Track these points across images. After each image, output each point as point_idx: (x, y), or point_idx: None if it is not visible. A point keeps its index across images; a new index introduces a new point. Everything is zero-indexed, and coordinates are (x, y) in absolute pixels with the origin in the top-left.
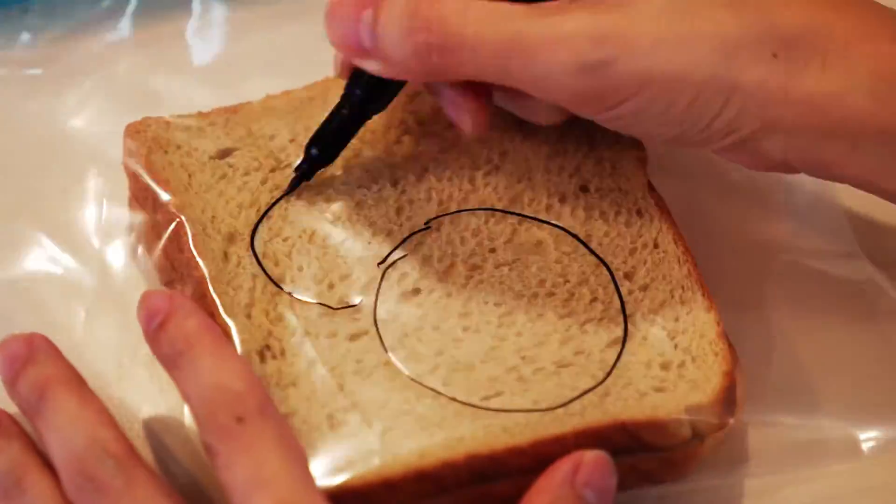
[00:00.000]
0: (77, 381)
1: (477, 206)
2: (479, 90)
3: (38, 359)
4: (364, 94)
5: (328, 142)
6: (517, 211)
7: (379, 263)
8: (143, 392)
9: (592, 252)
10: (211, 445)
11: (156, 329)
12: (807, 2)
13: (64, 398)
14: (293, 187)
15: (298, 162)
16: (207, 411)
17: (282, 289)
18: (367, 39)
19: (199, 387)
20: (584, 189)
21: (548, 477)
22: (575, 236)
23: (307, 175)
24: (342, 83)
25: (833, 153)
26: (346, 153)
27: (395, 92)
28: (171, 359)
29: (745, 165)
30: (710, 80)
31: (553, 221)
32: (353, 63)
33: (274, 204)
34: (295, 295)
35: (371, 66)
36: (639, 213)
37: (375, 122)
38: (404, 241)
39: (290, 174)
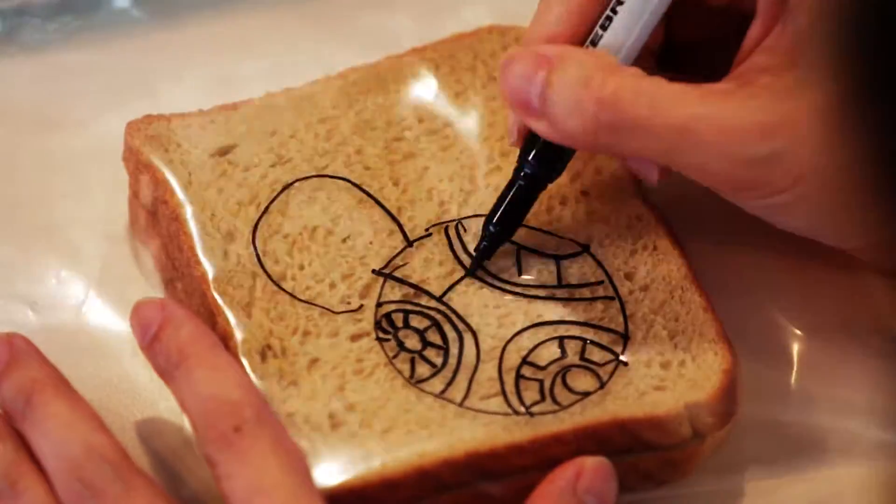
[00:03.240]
0: (64, 384)
1: (477, 207)
2: None
3: (21, 361)
4: (537, 165)
5: (506, 217)
6: None
7: (377, 271)
8: (143, 392)
9: (592, 256)
10: (210, 456)
11: (150, 341)
12: None
13: (53, 402)
14: (473, 270)
15: (477, 242)
16: (204, 422)
17: (282, 289)
18: (537, 101)
19: (195, 398)
20: (584, 193)
21: (549, 483)
22: (575, 241)
23: (488, 254)
24: (342, 81)
25: None
26: (347, 150)
27: (568, 158)
28: (166, 371)
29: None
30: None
31: (558, 229)
32: (525, 127)
33: (275, 198)
34: (296, 293)
35: (538, 127)
36: (638, 216)
37: (376, 121)
38: (402, 250)
39: (289, 169)
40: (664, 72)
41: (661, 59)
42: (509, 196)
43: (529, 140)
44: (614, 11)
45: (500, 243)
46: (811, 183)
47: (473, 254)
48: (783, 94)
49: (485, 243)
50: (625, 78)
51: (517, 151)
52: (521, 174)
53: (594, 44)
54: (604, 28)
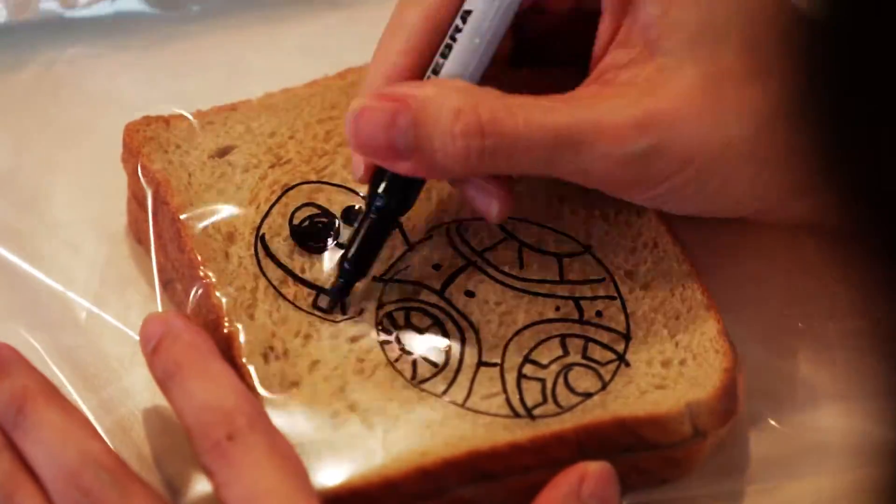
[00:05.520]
0: (55, 392)
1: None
2: (503, 178)
3: (9, 370)
4: (390, 199)
5: (360, 256)
6: (516, 211)
7: (378, 278)
8: (143, 393)
9: (593, 255)
10: (206, 465)
11: (150, 354)
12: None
13: (46, 410)
14: (332, 306)
15: (333, 280)
16: (199, 431)
17: (283, 296)
18: (404, 143)
19: (190, 408)
20: (583, 190)
21: (553, 488)
22: (576, 240)
23: (345, 292)
24: (341, 81)
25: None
26: (346, 151)
27: (418, 191)
28: (163, 381)
29: (771, 222)
30: (744, 157)
31: (557, 227)
32: (374, 166)
33: (276, 201)
34: (297, 301)
35: (403, 168)
36: (638, 213)
37: None
38: (405, 253)
39: (288, 170)
40: (517, 69)
41: (512, 59)
42: (362, 232)
43: (378, 173)
44: (454, 39)
45: (356, 280)
46: (696, 165)
47: (473, 247)
48: (647, 86)
49: (341, 280)
50: (490, 100)
51: None
52: (373, 208)
53: (436, 72)
54: (444, 56)
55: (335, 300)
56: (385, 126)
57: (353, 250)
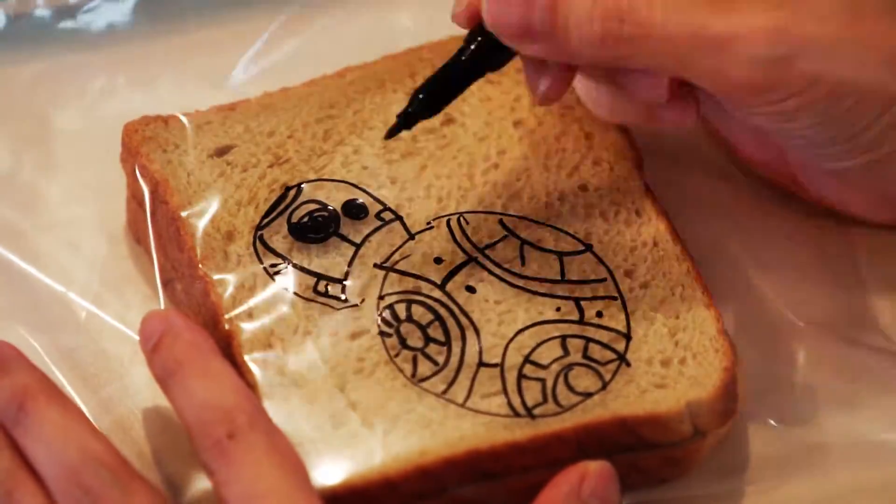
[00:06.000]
0: (55, 390)
1: (476, 203)
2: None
3: (10, 368)
4: (485, 51)
5: (437, 90)
6: (516, 209)
7: (379, 265)
8: (143, 392)
9: (595, 254)
10: (206, 463)
11: (150, 352)
12: None
13: (46, 409)
14: (392, 133)
15: (403, 109)
16: (199, 430)
17: (284, 289)
18: (541, 23)
19: (190, 406)
20: (583, 188)
21: (554, 488)
22: (576, 237)
23: (408, 123)
24: (340, 81)
25: None
26: (345, 150)
27: (513, 55)
28: (163, 380)
29: (863, 211)
30: (874, 88)
31: (557, 225)
32: (478, 15)
33: (276, 202)
34: (297, 293)
35: (533, 50)
36: (637, 212)
37: (374, 121)
38: (404, 243)
39: (287, 169)
40: None
41: None
42: (445, 69)
43: (482, 25)
44: None
45: (423, 116)
46: (825, 85)
47: (474, 243)
48: (789, 1)
49: (409, 110)
50: None
51: (515, 150)
52: (468, 52)
53: None
54: None
55: (397, 127)
56: (524, 4)
57: (431, 84)
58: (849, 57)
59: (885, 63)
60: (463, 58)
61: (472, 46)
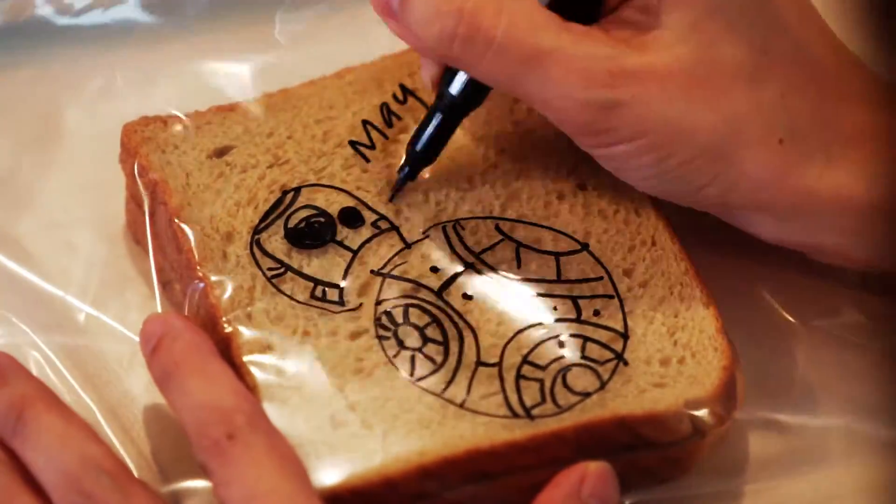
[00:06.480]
0: (54, 398)
1: (474, 204)
2: None
3: (8, 378)
4: (461, 94)
5: (430, 142)
6: (515, 209)
7: (376, 272)
8: (143, 394)
9: (591, 253)
10: (205, 464)
11: (150, 353)
12: (819, 88)
13: (45, 417)
14: (398, 189)
15: (401, 164)
16: (198, 431)
17: (281, 291)
18: (395, 3)
19: (189, 407)
20: (581, 187)
21: (554, 488)
22: (573, 238)
23: (412, 175)
24: (339, 81)
25: (831, 241)
26: (345, 152)
27: (487, 91)
28: (162, 381)
29: (750, 235)
30: (709, 148)
31: (553, 227)
32: (443, 67)
33: (275, 204)
34: (295, 295)
35: (392, 27)
36: (636, 211)
37: (373, 122)
38: (400, 251)
39: (287, 170)
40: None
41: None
42: (434, 122)
43: (449, 72)
44: None
45: (424, 165)
46: (654, 138)
47: (471, 249)
48: (638, 49)
49: (407, 166)
50: None
51: (515, 150)
52: (445, 101)
53: None
54: None
55: (401, 184)
56: None
57: (424, 137)
58: (686, 113)
59: (725, 125)
60: (441, 108)
61: (448, 97)
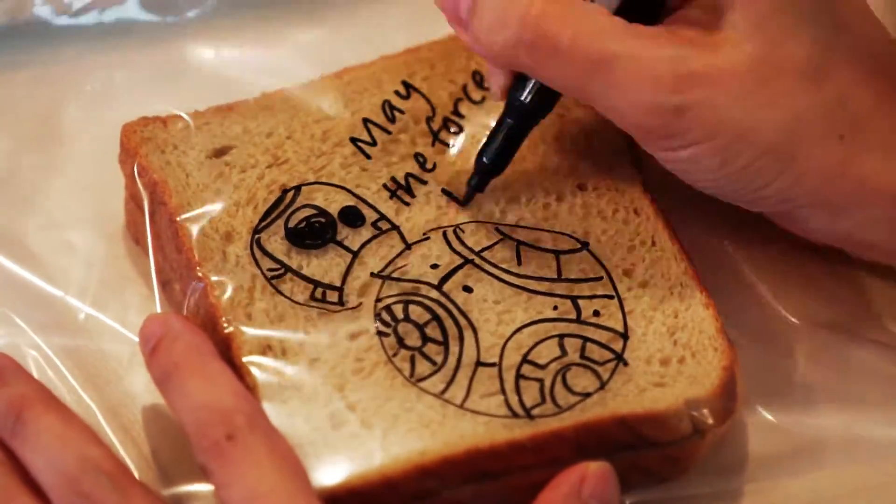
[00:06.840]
0: (53, 399)
1: (476, 209)
2: None
3: (7, 379)
4: (532, 100)
5: (500, 151)
6: (514, 210)
7: (376, 274)
8: (143, 394)
9: (591, 252)
10: (205, 465)
11: (149, 354)
12: (879, 84)
13: (44, 418)
14: (468, 200)
15: (470, 176)
16: (197, 431)
17: (280, 292)
18: (465, 12)
19: (188, 408)
20: (581, 188)
21: (554, 488)
22: (573, 237)
23: (480, 187)
24: (338, 81)
25: (884, 236)
26: (344, 151)
27: (557, 97)
28: (161, 382)
29: (797, 234)
30: (773, 147)
31: (555, 229)
32: (511, 77)
33: (274, 204)
34: (295, 296)
35: (465, 38)
36: (636, 211)
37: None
38: (402, 252)
39: (286, 170)
40: None
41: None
42: (504, 130)
43: (520, 79)
44: None
45: (493, 175)
46: (721, 141)
47: (470, 247)
48: (705, 49)
49: (476, 177)
50: (555, 1)
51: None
52: (514, 108)
53: None
54: None
55: (471, 194)
56: None
57: (494, 147)
58: (750, 114)
59: (787, 123)
60: (510, 118)
61: (518, 102)
